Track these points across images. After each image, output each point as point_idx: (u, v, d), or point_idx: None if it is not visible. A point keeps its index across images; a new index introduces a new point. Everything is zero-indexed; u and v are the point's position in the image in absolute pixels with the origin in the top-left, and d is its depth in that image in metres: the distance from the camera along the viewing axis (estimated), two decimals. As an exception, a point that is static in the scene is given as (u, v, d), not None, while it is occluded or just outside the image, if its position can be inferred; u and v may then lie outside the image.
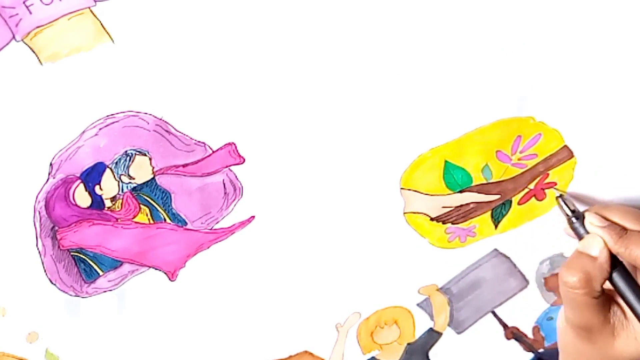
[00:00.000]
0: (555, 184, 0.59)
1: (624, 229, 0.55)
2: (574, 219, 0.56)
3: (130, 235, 0.54)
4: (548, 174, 0.59)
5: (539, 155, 0.57)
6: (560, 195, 0.58)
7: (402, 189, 0.57)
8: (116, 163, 0.52)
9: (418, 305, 0.61)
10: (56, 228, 0.53)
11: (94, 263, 0.54)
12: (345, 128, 0.54)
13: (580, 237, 0.56)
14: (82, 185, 0.52)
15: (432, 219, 0.58)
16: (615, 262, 0.55)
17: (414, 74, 0.53)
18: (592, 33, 0.54)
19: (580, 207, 0.58)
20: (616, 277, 0.55)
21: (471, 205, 0.58)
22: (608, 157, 0.58)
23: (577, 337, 0.57)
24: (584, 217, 0.56)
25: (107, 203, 0.53)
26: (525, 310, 0.66)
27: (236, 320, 0.58)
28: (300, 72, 0.52)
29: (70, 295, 0.54)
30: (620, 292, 0.55)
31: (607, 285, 0.55)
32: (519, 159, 0.57)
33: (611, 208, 0.57)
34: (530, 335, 0.67)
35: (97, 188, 0.52)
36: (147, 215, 0.54)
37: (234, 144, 0.53)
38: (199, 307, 0.57)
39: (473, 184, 0.57)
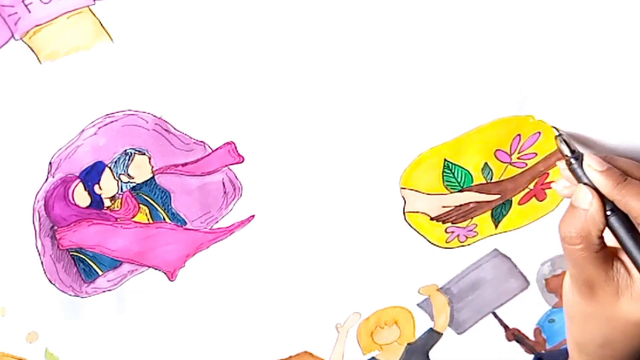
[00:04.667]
0: (556, 183, 0.59)
1: (624, 175, 0.53)
2: (572, 160, 0.54)
3: (129, 235, 0.54)
4: (548, 174, 0.59)
5: (539, 154, 0.57)
6: (560, 135, 0.55)
7: (402, 188, 0.57)
8: (115, 162, 0.52)
9: (418, 305, 0.61)
10: (55, 228, 0.53)
11: (94, 263, 0.54)
12: (345, 127, 0.54)
13: (578, 181, 0.54)
14: (81, 184, 0.52)
15: (432, 219, 0.58)
16: (614, 209, 0.52)
17: (414, 73, 0.53)
18: (592, 32, 0.54)
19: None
20: (614, 224, 0.53)
21: (471, 205, 0.58)
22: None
23: (581, 295, 0.55)
24: (582, 160, 0.53)
25: (107, 202, 0.53)
26: (526, 311, 0.65)
27: (236, 320, 0.58)
28: (300, 71, 0.52)
29: (70, 295, 0.54)
30: (618, 239, 0.53)
31: (612, 242, 0.53)
32: (518, 158, 0.57)
33: (615, 157, 0.54)
34: (531, 337, 0.67)
35: (96, 187, 0.52)
36: (146, 214, 0.54)
37: (233, 143, 0.53)
38: (198, 307, 0.57)
39: (473, 184, 0.57)
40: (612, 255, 0.54)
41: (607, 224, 0.53)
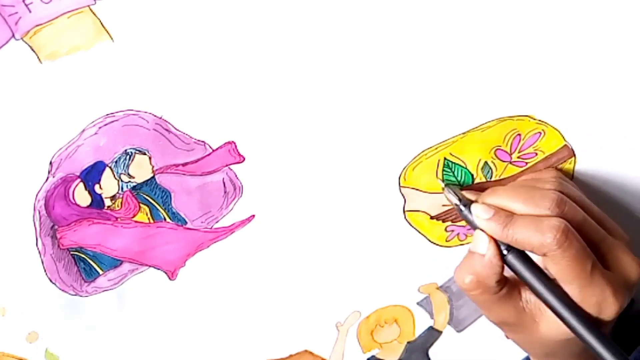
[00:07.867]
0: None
1: (510, 214, 0.52)
2: (462, 208, 0.54)
3: (130, 235, 0.54)
4: (548, 173, 0.59)
5: (539, 154, 0.57)
6: (447, 185, 0.55)
7: (402, 187, 0.57)
8: (116, 162, 0.52)
9: (418, 303, 0.61)
10: (56, 227, 0.53)
11: (94, 262, 0.54)
12: (344, 126, 0.54)
13: (472, 227, 0.54)
14: (81, 184, 0.52)
15: (431, 217, 0.58)
16: (510, 247, 0.52)
17: (414, 72, 0.53)
18: (593, 31, 0.54)
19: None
20: (512, 261, 0.52)
21: (471, 204, 0.58)
22: (609, 156, 0.58)
23: (501, 329, 0.56)
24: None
25: (107, 202, 0.53)
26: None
27: (236, 320, 0.58)
28: (300, 70, 0.52)
29: (70, 294, 0.54)
30: (518, 274, 0.53)
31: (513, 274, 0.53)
32: (518, 157, 0.57)
33: (498, 191, 0.54)
34: (530, 334, 0.67)
35: (96, 187, 0.52)
36: (146, 214, 0.54)
37: (234, 143, 0.53)
38: (198, 307, 0.57)
39: (473, 183, 0.57)
40: (518, 287, 0.54)
41: (506, 263, 0.53)
